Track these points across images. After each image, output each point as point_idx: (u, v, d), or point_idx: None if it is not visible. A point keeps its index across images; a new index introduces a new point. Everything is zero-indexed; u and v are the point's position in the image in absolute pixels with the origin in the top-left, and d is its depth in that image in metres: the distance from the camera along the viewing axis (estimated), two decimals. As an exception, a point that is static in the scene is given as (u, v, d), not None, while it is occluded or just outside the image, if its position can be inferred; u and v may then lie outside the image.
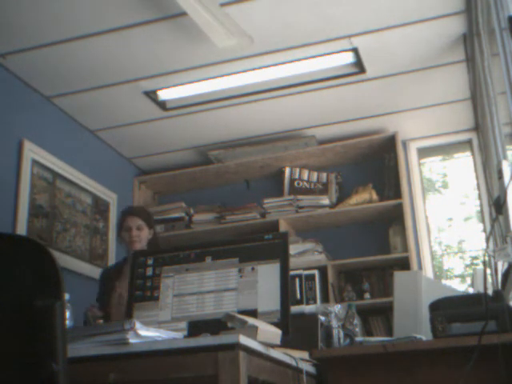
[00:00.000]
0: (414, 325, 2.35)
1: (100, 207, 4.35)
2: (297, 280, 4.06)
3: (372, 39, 3.43)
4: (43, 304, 1.17)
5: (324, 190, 4.55)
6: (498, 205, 2.29)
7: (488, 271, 2.91)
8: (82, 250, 4.07)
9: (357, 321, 2.48)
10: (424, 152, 4.70)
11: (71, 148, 4.14)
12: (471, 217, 4.61)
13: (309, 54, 3.56)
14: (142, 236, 3.32)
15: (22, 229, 3.51)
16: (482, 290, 2.14)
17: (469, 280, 4.42)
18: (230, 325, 1.79)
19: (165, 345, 1.64)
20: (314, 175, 4.64)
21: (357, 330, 2.45)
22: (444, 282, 4.43)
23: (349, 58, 3.62)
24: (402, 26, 3.33)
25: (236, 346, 1.55)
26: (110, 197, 4.48)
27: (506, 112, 2.67)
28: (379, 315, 4.16)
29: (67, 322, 2.00)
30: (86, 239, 4.14)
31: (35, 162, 3.72)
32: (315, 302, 3.96)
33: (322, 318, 2.40)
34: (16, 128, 3.64)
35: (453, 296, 2.19)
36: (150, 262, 2.22)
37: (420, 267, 4.26)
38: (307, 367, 2.00)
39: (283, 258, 2.05)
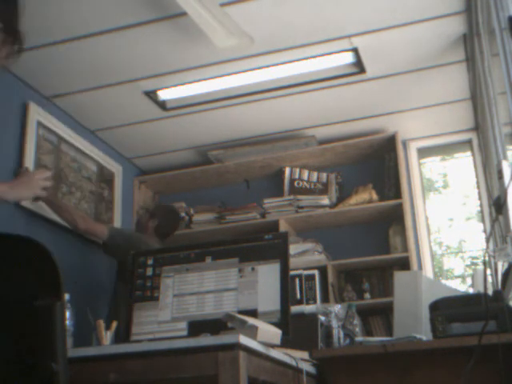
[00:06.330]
0: (414, 325, 2.35)
1: (105, 176, 4.38)
2: (297, 280, 4.06)
3: (372, 39, 3.43)
4: (43, 304, 1.17)
5: (324, 190, 4.55)
6: (498, 205, 2.29)
7: (488, 271, 2.91)
8: (88, 213, 4.06)
9: (357, 321, 2.49)
10: (424, 152, 4.70)
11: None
12: (471, 217, 4.61)
13: (309, 54, 3.55)
14: None
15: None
16: (481, 289, 2.14)
17: (469, 280, 4.42)
18: (230, 325, 1.79)
19: (165, 345, 1.65)
20: (314, 175, 4.63)
21: (357, 330, 2.46)
22: (444, 282, 4.42)
23: (348, 58, 3.61)
24: (401, 26, 3.33)
25: (236, 346, 1.55)
26: (115, 167, 4.53)
27: (506, 112, 2.67)
28: (379, 315, 4.16)
29: (67, 322, 2.01)
30: (92, 204, 4.15)
31: (40, 124, 3.74)
32: (315, 302, 3.96)
33: (322, 317, 2.40)
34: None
35: (453, 296, 2.19)
36: (150, 262, 2.22)
37: (420, 267, 4.26)
38: (307, 367, 2.00)
39: (283, 258, 2.05)
